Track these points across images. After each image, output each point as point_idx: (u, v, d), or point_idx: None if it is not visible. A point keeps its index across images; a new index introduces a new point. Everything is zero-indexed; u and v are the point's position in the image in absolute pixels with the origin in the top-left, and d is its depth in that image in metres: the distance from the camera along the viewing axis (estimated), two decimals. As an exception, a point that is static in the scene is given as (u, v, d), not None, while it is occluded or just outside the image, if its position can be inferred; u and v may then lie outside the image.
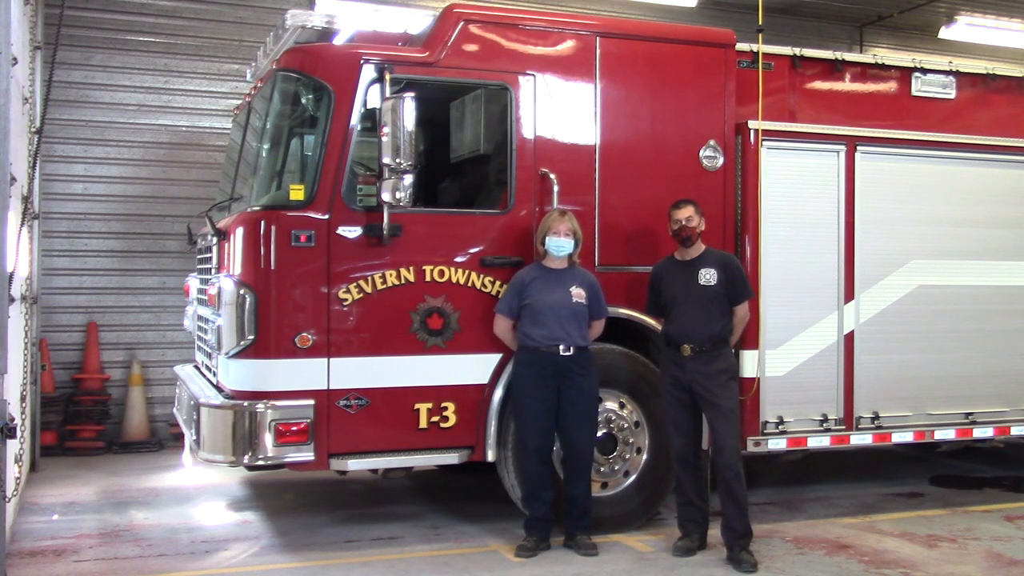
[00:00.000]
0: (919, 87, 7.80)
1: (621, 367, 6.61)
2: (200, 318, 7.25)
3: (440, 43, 6.34)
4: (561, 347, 6.09)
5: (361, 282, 6.08)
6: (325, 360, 5.99)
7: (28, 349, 8.15)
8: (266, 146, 6.73)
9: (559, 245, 6.16)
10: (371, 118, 6.20)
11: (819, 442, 7.13)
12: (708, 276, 6.16)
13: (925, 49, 13.21)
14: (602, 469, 6.56)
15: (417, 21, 7.81)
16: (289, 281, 5.97)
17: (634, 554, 6.20)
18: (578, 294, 6.17)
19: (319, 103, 6.24)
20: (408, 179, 5.83)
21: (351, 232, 6.06)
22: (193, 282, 7.70)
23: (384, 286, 6.13)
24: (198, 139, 10.39)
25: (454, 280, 6.27)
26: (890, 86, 7.76)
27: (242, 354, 5.98)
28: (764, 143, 6.98)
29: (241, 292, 5.92)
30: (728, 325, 6.21)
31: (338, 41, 6.49)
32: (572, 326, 6.12)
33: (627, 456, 6.69)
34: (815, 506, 7.62)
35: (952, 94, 7.90)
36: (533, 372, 6.11)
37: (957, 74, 7.93)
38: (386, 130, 5.78)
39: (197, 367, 7.49)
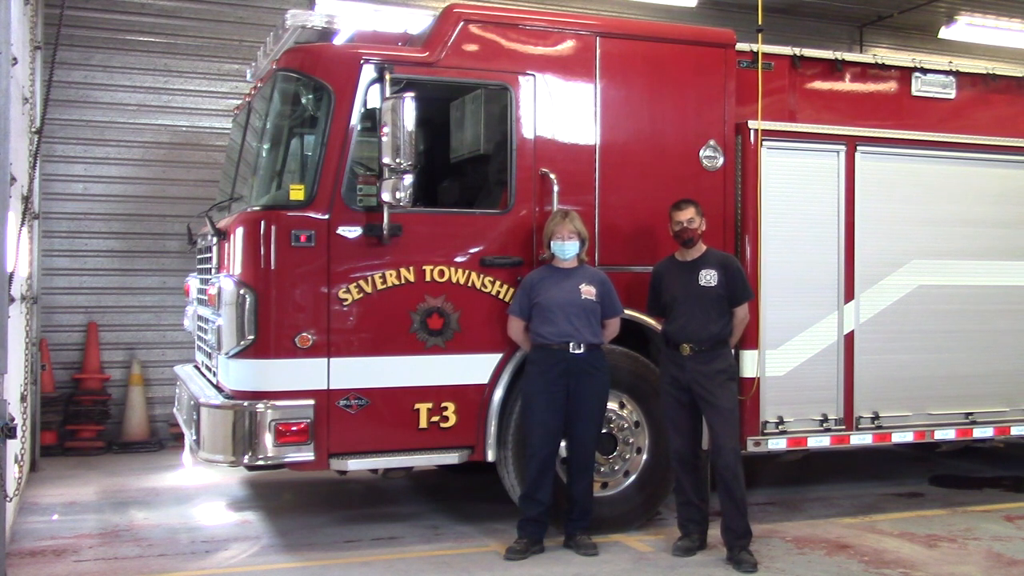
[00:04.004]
0: (919, 87, 7.80)
1: (621, 367, 6.59)
2: (200, 318, 7.25)
3: (440, 43, 6.34)
4: (571, 344, 6.08)
5: (361, 282, 6.08)
6: (325, 360, 5.99)
7: (28, 349, 8.15)
8: (266, 146, 6.73)
9: (563, 249, 6.16)
10: (371, 118, 6.20)
11: (819, 442, 7.13)
12: (708, 277, 6.16)
13: (925, 49, 13.21)
14: (602, 469, 6.56)
15: (417, 21, 7.82)
16: (289, 281, 5.97)
17: (634, 554, 6.20)
18: (587, 291, 6.16)
19: (319, 103, 6.24)
20: (408, 179, 5.83)
21: (351, 232, 6.06)
22: (193, 282, 7.70)
23: (384, 286, 6.13)
24: (198, 139, 10.40)
25: (454, 280, 6.27)
26: (890, 86, 7.76)
27: (242, 354, 5.98)
28: (764, 143, 6.98)
29: (241, 292, 5.92)
30: (728, 326, 6.21)
31: (338, 41, 6.48)
32: (581, 322, 6.11)
33: (627, 456, 6.70)
34: (815, 506, 7.62)
35: (952, 94, 7.90)
36: (543, 370, 6.10)
37: (957, 74, 7.93)
38: (386, 130, 5.78)
39: (197, 367, 7.49)
